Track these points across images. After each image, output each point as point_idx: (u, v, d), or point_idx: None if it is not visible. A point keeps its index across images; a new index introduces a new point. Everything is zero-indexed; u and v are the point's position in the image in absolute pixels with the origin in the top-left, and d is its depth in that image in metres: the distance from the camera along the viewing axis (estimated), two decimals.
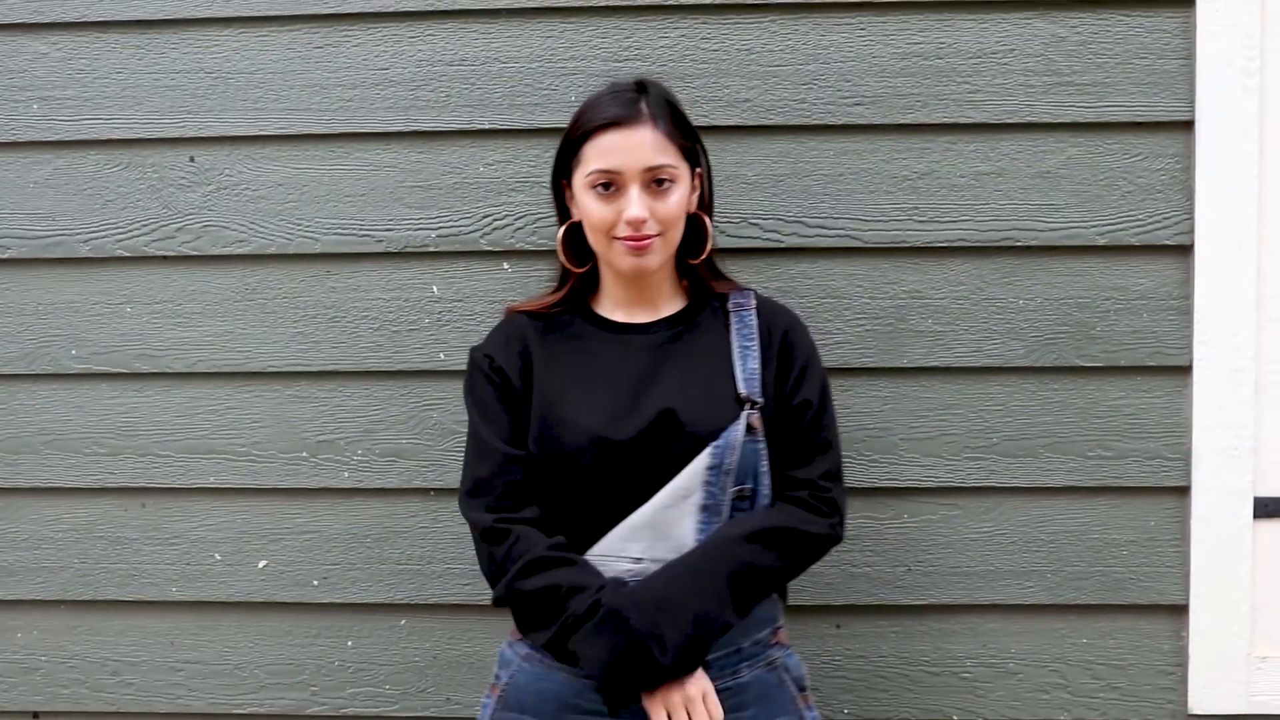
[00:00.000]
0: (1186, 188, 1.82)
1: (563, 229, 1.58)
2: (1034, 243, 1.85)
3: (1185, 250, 1.83)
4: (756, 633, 1.50)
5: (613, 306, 1.60)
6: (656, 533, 1.46)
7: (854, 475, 1.84)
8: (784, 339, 1.57)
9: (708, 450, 1.46)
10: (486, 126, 1.88)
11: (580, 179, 1.51)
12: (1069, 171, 1.84)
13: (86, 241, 1.93)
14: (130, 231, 1.92)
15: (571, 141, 1.53)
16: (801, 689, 1.55)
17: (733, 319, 1.58)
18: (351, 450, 1.92)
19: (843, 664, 1.89)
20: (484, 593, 1.88)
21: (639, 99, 1.51)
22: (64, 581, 1.97)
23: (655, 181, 1.49)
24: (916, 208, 1.86)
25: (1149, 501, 1.87)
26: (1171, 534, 1.86)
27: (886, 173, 1.86)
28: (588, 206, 1.50)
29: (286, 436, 1.93)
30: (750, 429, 1.48)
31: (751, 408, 1.48)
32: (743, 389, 1.50)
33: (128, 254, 1.93)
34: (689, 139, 1.55)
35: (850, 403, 1.86)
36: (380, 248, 1.90)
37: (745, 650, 1.49)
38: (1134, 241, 1.84)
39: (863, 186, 1.86)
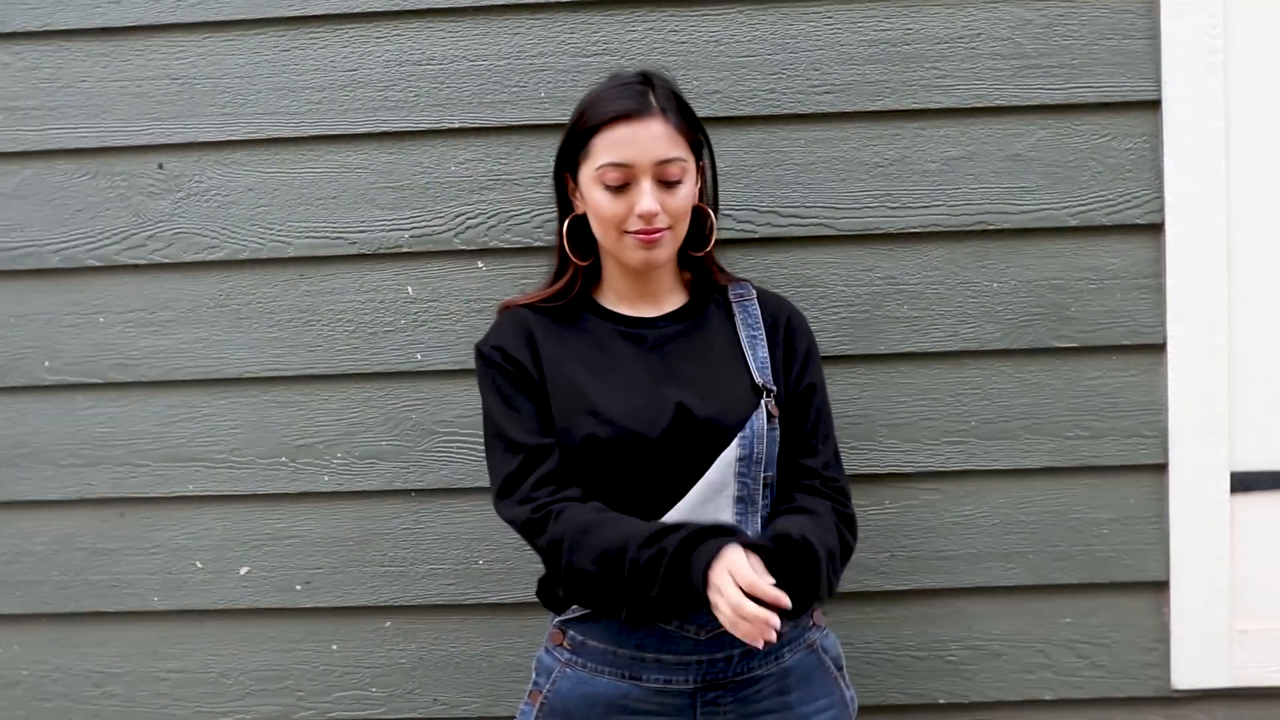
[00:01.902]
0: (1156, 167, 1.85)
1: (565, 222, 1.58)
2: (1006, 225, 1.88)
3: (1156, 229, 1.86)
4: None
5: (616, 299, 1.60)
6: None
7: None
8: (788, 326, 1.60)
9: (735, 442, 1.47)
10: (456, 125, 1.89)
11: (589, 172, 1.51)
12: (1039, 154, 1.87)
13: (57, 252, 1.94)
14: (101, 240, 1.93)
15: (579, 134, 1.52)
16: (839, 668, 1.58)
17: (736, 310, 1.60)
18: (331, 454, 1.93)
19: None
20: (468, 593, 1.91)
21: (647, 91, 1.51)
22: (44, 594, 1.97)
23: (665, 175, 1.50)
24: (889, 194, 1.88)
25: (1128, 480, 1.91)
26: (1151, 511, 1.90)
27: (858, 160, 1.88)
28: (597, 200, 1.50)
29: (265, 442, 1.94)
30: (770, 416, 1.50)
31: (768, 395, 1.51)
32: (758, 378, 1.52)
33: (99, 263, 1.93)
34: (694, 130, 1.56)
35: (829, 390, 1.85)
36: (353, 250, 1.91)
37: (786, 634, 1.48)
38: (1105, 221, 1.87)
39: (834, 175, 1.88)
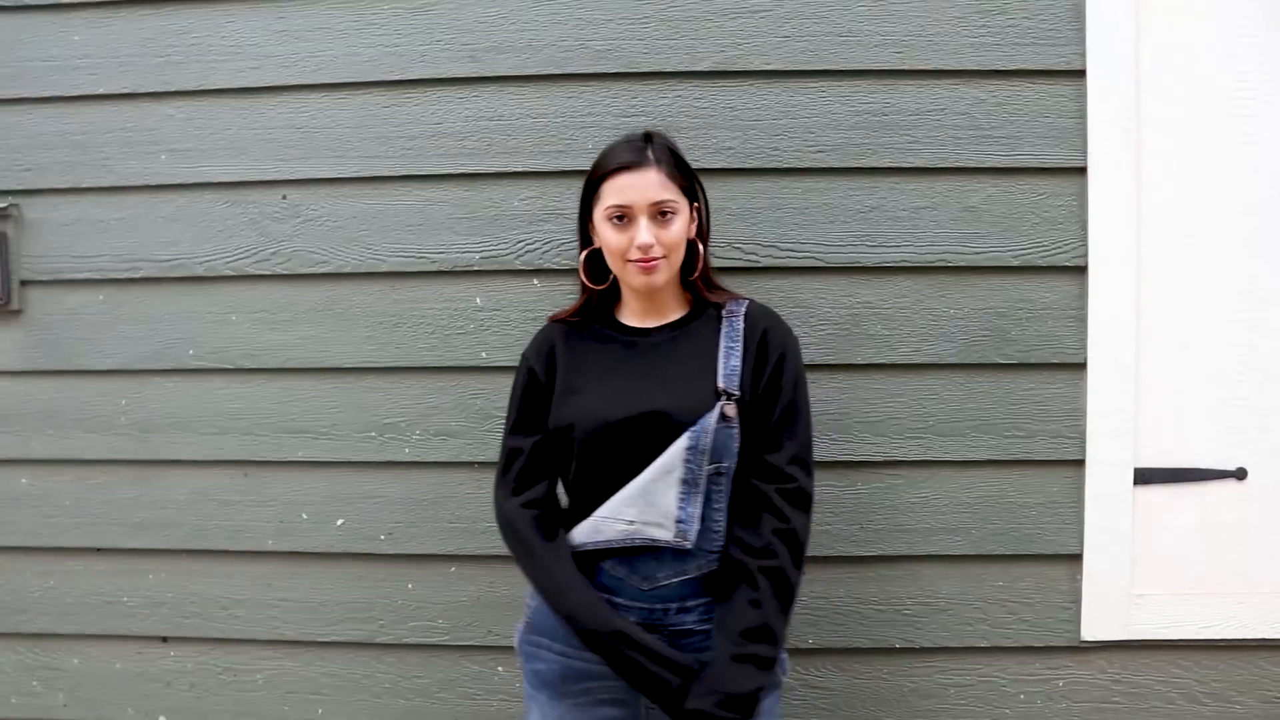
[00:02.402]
0: (1082, 220, 2.11)
1: (584, 254, 1.79)
2: (961, 263, 2.13)
3: (1081, 270, 2.11)
4: None
5: (630, 315, 1.80)
6: (646, 501, 1.65)
7: (818, 452, 1.99)
8: (763, 335, 1.72)
9: (686, 434, 1.64)
10: (519, 169, 2.16)
11: (599, 212, 1.72)
12: (989, 206, 2.12)
13: (201, 263, 2.25)
14: (235, 255, 2.25)
15: (592, 183, 1.74)
16: None
17: (724, 323, 1.74)
18: (411, 431, 2.23)
19: (806, 603, 2.17)
20: None
21: (646, 147, 1.72)
22: (184, 535, 2.30)
23: (660, 213, 1.69)
24: (868, 235, 2.14)
25: (1052, 471, 2.15)
26: (1069, 498, 2.14)
27: (843, 207, 2.13)
28: (606, 235, 1.71)
29: (359, 420, 2.23)
30: (724, 417, 1.65)
31: (727, 399, 1.66)
32: (721, 383, 1.67)
33: (233, 273, 2.25)
34: (687, 178, 1.75)
35: (815, 393, 2.02)
36: (434, 267, 2.20)
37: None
38: (1041, 263, 2.12)
39: (824, 217, 2.14)
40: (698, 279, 1.80)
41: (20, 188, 2.31)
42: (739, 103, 2.16)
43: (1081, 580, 2.17)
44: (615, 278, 1.80)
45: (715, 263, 2.09)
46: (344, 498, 2.26)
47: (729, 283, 2.07)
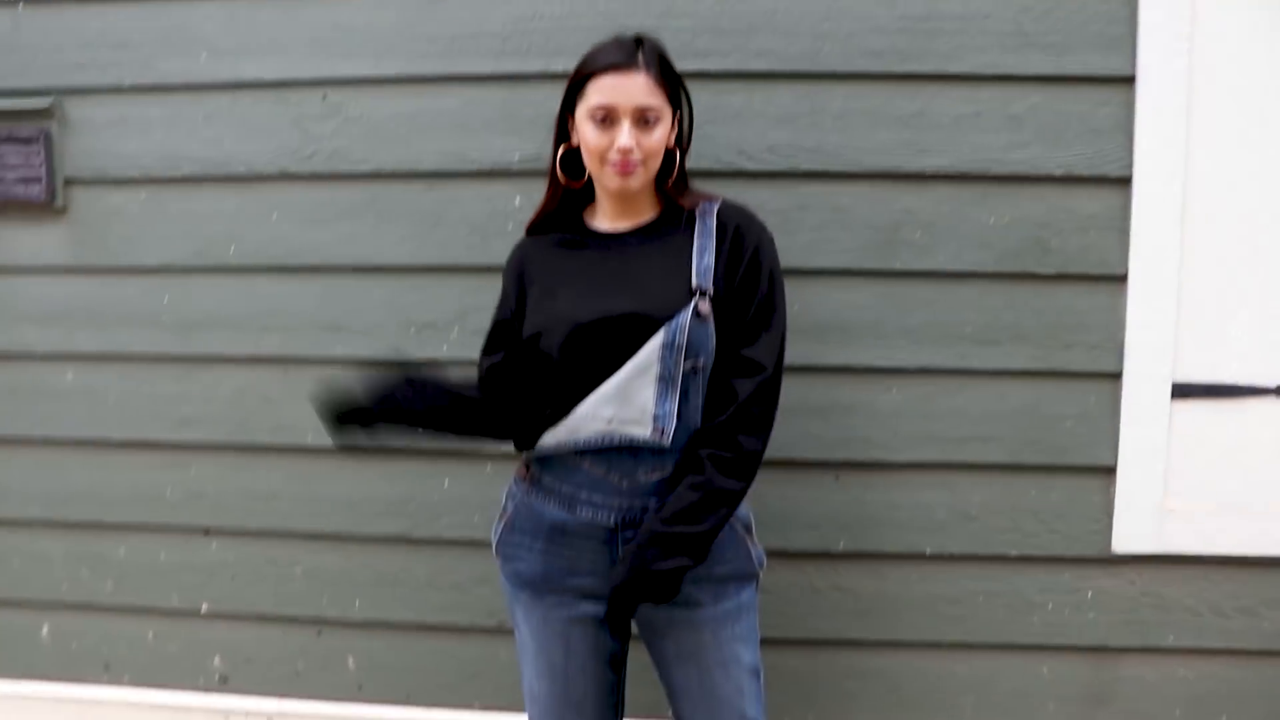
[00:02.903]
0: (1128, 130, 2.08)
1: (560, 150, 1.77)
2: (1004, 172, 2.11)
3: (1126, 181, 2.09)
4: None
5: (602, 218, 1.79)
6: (623, 399, 1.67)
7: (853, 357, 2.17)
8: (736, 231, 1.71)
9: (661, 330, 1.65)
10: (560, 70, 2.09)
11: (582, 110, 1.69)
12: (1033, 115, 2.10)
13: (243, 162, 2.28)
14: (276, 155, 2.26)
15: (578, 79, 1.70)
16: (748, 530, 1.78)
17: (698, 223, 1.73)
18: (449, 329, 2.26)
19: (839, 509, 2.22)
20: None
21: (636, 50, 1.68)
22: (226, 430, 2.35)
23: (644, 119, 1.66)
24: (909, 141, 2.12)
25: (1089, 384, 2.15)
26: (1105, 410, 2.15)
27: (885, 112, 2.12)
28: (586, 134, 1.68)
29: (398, 318, 2.27)
30: (699, 314, 1.65)
31: (701, 296, 1.66)
32: (695, 281, 1.67)
33: (274, 172, 2.27)
34: (673, 85, 1.72)
35: (851, 298, 2.16)
36: (473, 167, 2.21)
37: None
38: (1085, 173, 2.10)
39: (866, 123, 2.12)
40: (672, 186, 1.79)
41: (63, 85, 2.33)
42: (781, 6, 2.15)
43: (1114, 493, 2.18)
44: (589, 178, 1.80)
45: (753, 167, 2.15)
46: None
47: (769, 186, 2.11)
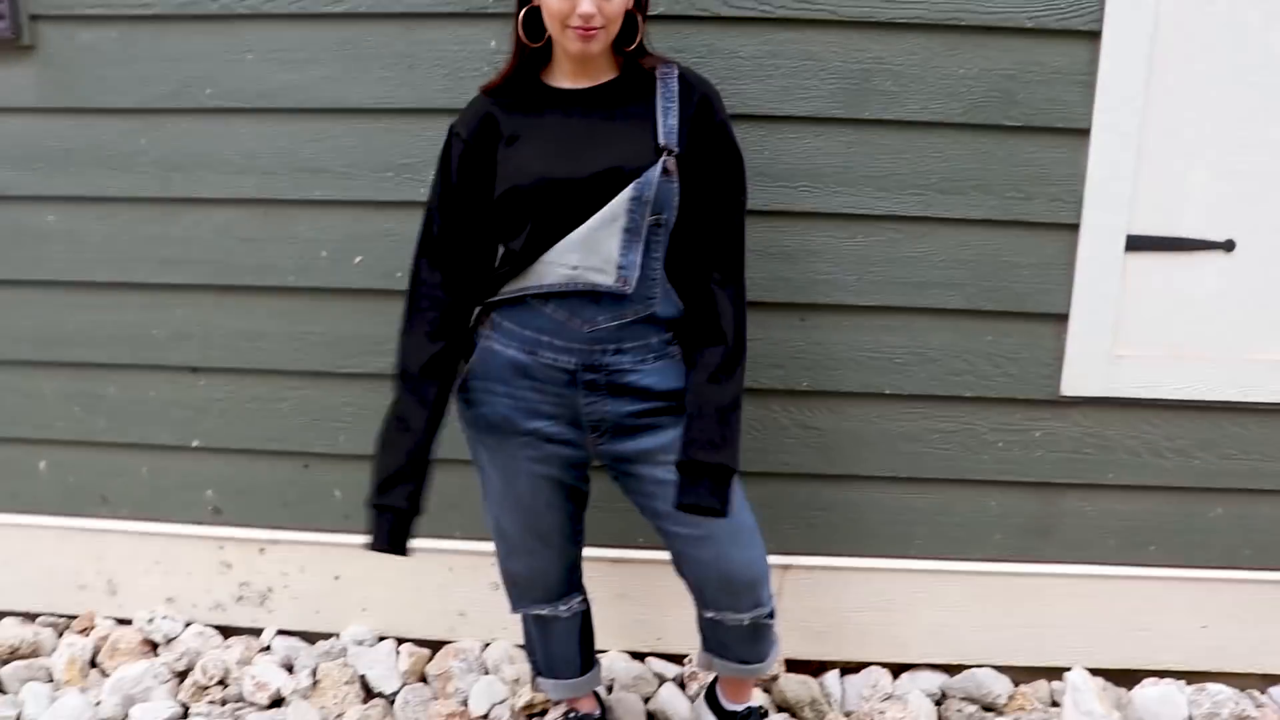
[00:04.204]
0: None
1: (522, 11, 1.78)
2: (975, 23, 2.13)
3: (1095, 36, 2.11)
4: (664, 333, 1.85)
5: (562, 77, 1.82)
6: (589, 248, 1.75)
7: (821, 203, 2.22)
8: (703, 99, 1.80)
9: (630, 185, 1.73)
10: None
11: None
12: None
13: (215, 0, 2.26)
14: None
15: None
16: None
17: (659, 85, 1.80)
18: (426, 171, 2.14)
19: (804, 349, 2.30)
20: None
21: None
22: (210, 271, 2.40)
23: None
24: None
25: (1048, 234, 2.22)
26: (1062, 260, 2.23)
27: None
28: None
29: (375, 160, 2.28)
30: (666, 171, 1.74)
31: (669, 155, 1.75)
32: (661, 140, 1.75)
33: (248, 11, 2.24)
34: None
35: (821, 145, 2.20)
36: (449, 8, 2.19)
37: (653, 345, 1.85)
38: (1055, 26, 2.12)
39: None
40: (636, 48, 1.82)
41: None
42: None
43: (1066, 339, 2.28)
44: (548, 39, 1.81)
45: (730, 13, 2.16)
46: (362, 235, 2.34)
47: (744, 32, 2.13)
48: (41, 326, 2.51)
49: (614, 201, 1.73)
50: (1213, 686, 2.41)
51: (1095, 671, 2.43)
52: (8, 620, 2.65)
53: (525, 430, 1.88)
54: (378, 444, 1.89)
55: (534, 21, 1.79)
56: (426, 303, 1.87)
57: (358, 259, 2.37)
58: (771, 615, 1.97)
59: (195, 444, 2.53)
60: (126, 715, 2.38)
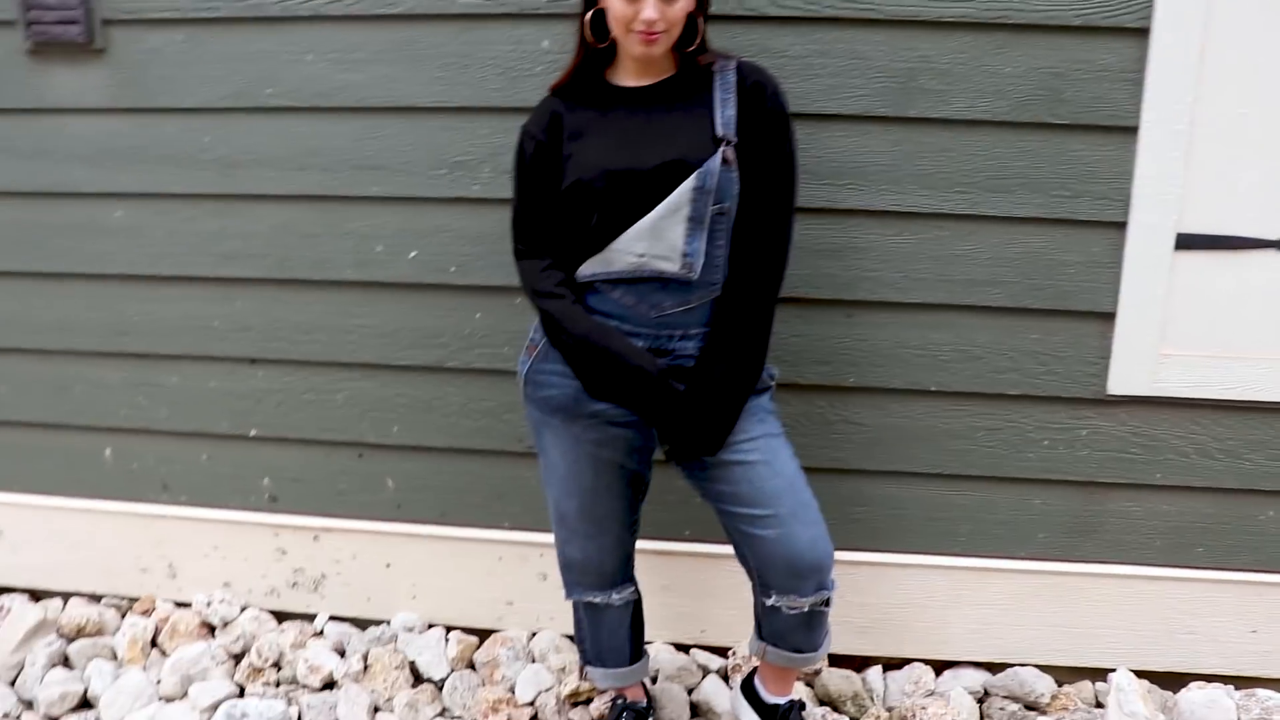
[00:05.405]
0: None
1: (589, 13, 1.85)
2: (1022, 21, 2.13)
3: (1144, 33, 2.11)
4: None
5: (625, 75, 1.90)
6: (655, 236, 1.81)
7: (868, 201, 2.24)
8: (756, 88, 1.85)
9: (693, 175, 1.79)
10: None
11: None
12: None
13: (277, 3, 2.32)
14: None
15: None
16: None
17: (716, 79, 1.86)
18: (480, 168, 2.34)
19: (850, 345, 2.32)
20: None
21: None
22: (268, 265, 2.47)
23: None
24: None
25: (1095, 232, 2.22)
26: (1109, 259, 2.22)
27: None
28: (613, 2, 1.78)
29: (431, 157, 2.34)
30: (726, 161, 1.81)
31: (727, 145, 1.81)
32: (720, 131, 1.82)
33: (309, 14, 2.32)
34: None
35: (867, 143, 2.22)
36: (503, 10, 2.25)
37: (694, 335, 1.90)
38: (1103, 23, 2.12)
39: None
40: (693, 49, 1.88)
41: None
42: None
43: (1113, 338, 2.27)
44: (613, 39, 1.87)
45: (778, 13, 2.19)
46: (416, 231, 2.40)
47: (792, 31, 2.16)
48: (108, 318, 2.60)
49: (677, 191, 1.80)
50: (1262, 692, 2.37)
51: (1140, 674, 2.41)
52: (75, 600, 2.74)
53: (590, 413, 1.92)
54: (589, 350, 1.85)
55: (599, 22, 1.86)
56: (549, 274, 1.90)
57: (412, 254, 2.42)
58: (828, 603, 1.99)
59: (253, 433, 2.60)
60: (185, 694, 2.46)
